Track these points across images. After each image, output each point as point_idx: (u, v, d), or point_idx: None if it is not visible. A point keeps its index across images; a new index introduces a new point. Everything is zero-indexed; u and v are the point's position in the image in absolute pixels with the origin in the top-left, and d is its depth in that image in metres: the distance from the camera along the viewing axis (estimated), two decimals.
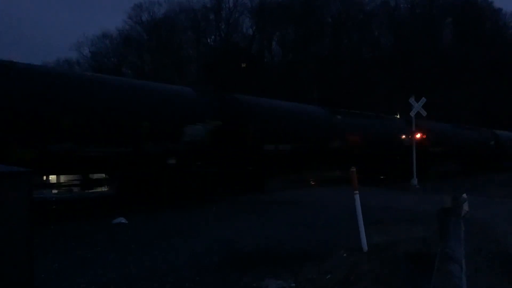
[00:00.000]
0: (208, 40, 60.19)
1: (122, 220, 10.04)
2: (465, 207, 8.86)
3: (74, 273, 6.14)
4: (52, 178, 23.45)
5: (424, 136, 24.75)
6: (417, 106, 20.62)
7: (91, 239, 8.31)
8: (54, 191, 24.18)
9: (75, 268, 6.40)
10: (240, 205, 13.41)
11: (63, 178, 21.67)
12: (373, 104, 39.79)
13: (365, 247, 7.29)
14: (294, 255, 7.11)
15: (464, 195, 8.69)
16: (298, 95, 37.45)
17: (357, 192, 7.51)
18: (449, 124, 32.31)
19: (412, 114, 20.91)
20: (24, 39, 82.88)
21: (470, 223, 8.73)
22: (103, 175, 14.96)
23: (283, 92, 39.02)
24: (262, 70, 51.74)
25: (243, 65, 48.89)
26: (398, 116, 29.53)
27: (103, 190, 19.15)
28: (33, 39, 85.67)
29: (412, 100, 20.92)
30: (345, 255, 7.07)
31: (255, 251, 7.39)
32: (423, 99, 20.68)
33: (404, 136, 24.06)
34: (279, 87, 43.15)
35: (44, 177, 20.82)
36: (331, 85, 46.52)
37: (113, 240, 8.25)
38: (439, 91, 43.78)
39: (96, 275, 6.06)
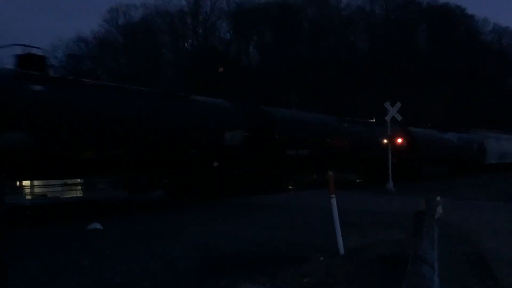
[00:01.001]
0: (186, 44, 60.01)
1: (97, 225, 9.91)
2: (439, 209, 9.02)
3: (48, 280, 6.04)
4: (26, 183, 23.05)
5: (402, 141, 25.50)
6: (393, 111, 20.90)
7: (66, 245, 8.18)
8: (28, 197, 23.76)
9: (49, 274, 6.28)
10: (219, 208, 13.38)
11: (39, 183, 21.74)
12: (351, 107, 40.19)
13: (341, 250, 7.35)
14: (272, 258, 7.13)
15: (438, 198, 8.86)
16: (276, 99, 37.59)
17: (333, 196, 7.57)
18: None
19: (388, 118, 21.18)
20: None
21: (444, 224, 8.89)
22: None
23: (261, 95, 39.10)
24: (240, 73, 51.77)
25: (221, 69, 48.84)
26: (374, 120, 30.07)
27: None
28: (4, 41, 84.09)
29: (387, 104, 21.20)
30: (322, 258, 7.12)
31: (233, 254, 7.39)
32: (398, 104, 20.98)
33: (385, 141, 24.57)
34: (257, 91, 43.23)
35: (18, 183, 20.55)
36: (308, 89, 46.83)
37: (89, 245, 8.14)
38: (414, 95, 44.47)
39: (71, 281, 5.97)
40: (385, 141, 23.98)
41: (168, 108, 15.21)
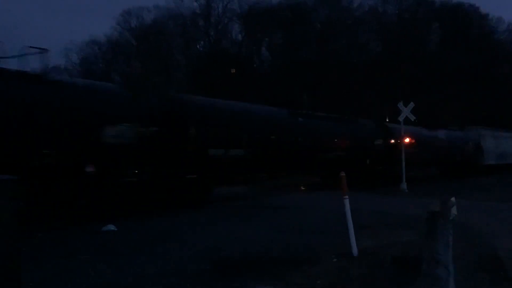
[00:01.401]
0: (197, 46, 60.22)
1: (112, 227, 9.98)
2: (454, 210, 8.90)
3: (62, 281, 6.08)
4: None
5: (412, 141, 24.77)
6: (406, 111, 20.77)
7: (80, 246, 8.24)
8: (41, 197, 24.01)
9: (63, 276, 6.33)
10: (227, 210, 13.39)
11: None
12: (362, 108, 39.99)
13: (355, 251, 7.30)
14: (283, 260, 7.10)
15: (453, 199, 8.75)
16: (288, 100, 37.52)
17: (346, 196, 7.53)
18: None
19: (401, 119, 21.06)
20: (11, 45, 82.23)
21: (458, 225, 8.79)
22: None
23: (273, 97, 39.08)
24: (252, 75, 51.83)
25: (232, 70, 48.93)
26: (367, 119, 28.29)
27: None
28: (19, 44, 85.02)
29: (400, 105, 21.08)
30: (335, 259, 7.08)
31: (243, 257, 7.38)
32: (411, 104, 20.85)
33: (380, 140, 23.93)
34: (269, 92, 43.22)
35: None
36: (320, 90, 46.72)
37: (102, 247, 8.19)
38: (427, 96, 44.15)
39: (84, 282, 6.02)
40: (392, 141, 23.76)
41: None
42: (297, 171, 21.52)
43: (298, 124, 19.94)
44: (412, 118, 21.04)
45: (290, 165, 19.33)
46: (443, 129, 31.86)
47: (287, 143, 18.67)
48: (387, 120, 30.29)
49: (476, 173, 30.75)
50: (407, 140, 23.01)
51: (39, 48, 12.19)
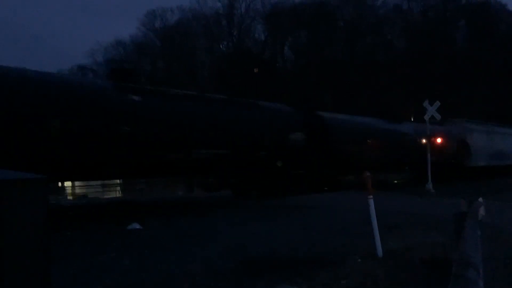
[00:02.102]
0: (221, 46, 60.51)
1: (137, 226, 10.10)
2: (481, 211, 8.77)
3: (90, 279, 6.18)
4: (67, 183, 23.90)
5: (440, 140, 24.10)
6: (431, 110, 20.51)
7: (107, 245, 8.36)
8: (69, 197, 24.55)
9: (91, 273, 6.44)
10: (252, 210, 13.41)
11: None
12: (386, 107, 39.57)
13: (380, 252, 7.24)
14: (309, 260, 7.08)
15: (480, 199, 8.60)
16: (311, 100, 37.38)
17: (371, 197, 7.47)
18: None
19: (426, 118, 20.80)
20: (38, 46, 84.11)
21: (486, 226, 8.63)
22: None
23: (296, 97, 39.00)
24: (275, 75, 51.78)
25: (256, 70, 48.99)
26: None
27: None
28: (46, 46, 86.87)
29: (426, 103, 20.82)
30: (359, 260, 7.03)
31: (269, 256, 7.38)
32: (437, 103, 20.58)
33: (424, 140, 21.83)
34: (292, 92, 43.14)
35: (59, 184, 21.37)
36: (344, 89, 46.42)
37: (128, 245, 8.29)
38: (453, 94, 43.43)
39: (112, 280, 6.10)
40: (424, 140, 22.37)
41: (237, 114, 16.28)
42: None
43: (129, 104, 13.08)
44: (438, 117, 20.76)
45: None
46: (411, 122, 26.91)
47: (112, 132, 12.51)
48: (412, 119, 29.48)
49: (460, 177, 25.40)
50: (297, 134, 18.32)
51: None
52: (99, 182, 25.53)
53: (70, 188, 25.92)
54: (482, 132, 29.83)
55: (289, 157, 17.62)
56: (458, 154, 26.98)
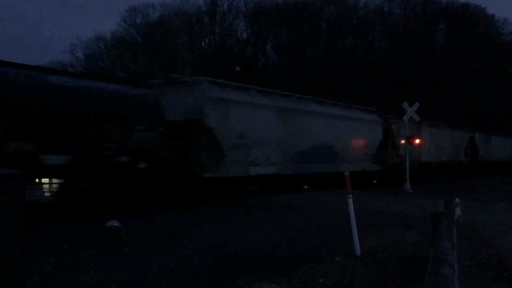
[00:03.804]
0: (203, 44, 60.28)
1: (115, 223, 9.99)
2: (457, 211, 8.88)
3: (66, 276, 6.10)
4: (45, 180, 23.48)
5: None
6: (411, 111, 20.73)
7: (84, 242, 8.26)
8: (47, 193, 24.12)
9: (67, 271, 6.35)
10: (233, 208, 13.39)
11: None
12: (368, 106, 39.82)
13: (358, 251, 7.30)
14: (287, 258, 7.11)
15: (457, 200, 8.73)
16: None
17: (350, 196, 7.53)
18: None
19: (406, 119, 21.01)
20: (17, 40, 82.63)
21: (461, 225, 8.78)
22: None
23: None
24: (257, 74, 51.80)
25: (237, 68, 48.94)
26: None
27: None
28: (26, 40, 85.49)
29: (405, 105, 21.03)
30: (338, 259, 7.08)
31: (249, 254, 7.39)
32: (416, 104, 20.80)
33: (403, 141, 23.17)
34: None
35: (37, 180, 20.94)
36: (325, 88, 46.64)
37: (106, 243, 8.21)
38: (432, 95, 43.99)
39: (88, 278, 6.03)
40: (403, 141, 22.80)
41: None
42: None
43: None
44: (417, 118, 21.00)
45: None
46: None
47: None
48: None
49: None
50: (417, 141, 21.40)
51: None
52: None
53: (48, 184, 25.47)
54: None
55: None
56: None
